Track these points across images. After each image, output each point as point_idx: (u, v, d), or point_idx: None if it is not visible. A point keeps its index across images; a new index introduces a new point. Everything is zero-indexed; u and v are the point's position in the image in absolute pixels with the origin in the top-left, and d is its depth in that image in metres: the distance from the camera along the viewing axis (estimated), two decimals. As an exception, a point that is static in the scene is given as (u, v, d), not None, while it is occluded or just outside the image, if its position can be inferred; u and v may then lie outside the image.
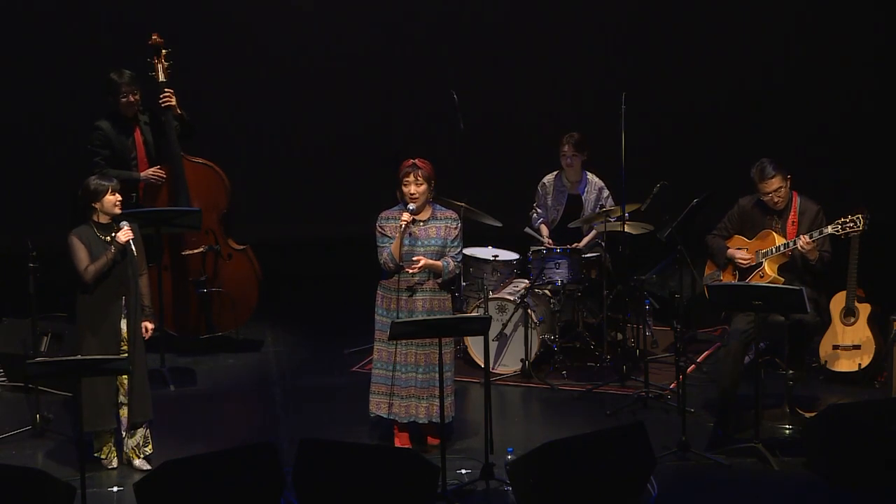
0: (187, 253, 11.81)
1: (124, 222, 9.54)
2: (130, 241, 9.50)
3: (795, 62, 14.84)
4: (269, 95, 14.54)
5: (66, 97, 13.86)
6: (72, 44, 14.05)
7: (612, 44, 14.76)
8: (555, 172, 12.09)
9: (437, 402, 9.64)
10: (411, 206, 9.69)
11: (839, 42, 14.83)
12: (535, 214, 12.15)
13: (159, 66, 11.73)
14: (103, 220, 9.57)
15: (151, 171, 11.66)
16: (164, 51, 11.74)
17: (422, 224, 9.80)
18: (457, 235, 9.84)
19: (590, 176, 12.01)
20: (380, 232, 9.79)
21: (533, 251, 11.76)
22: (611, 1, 14.81)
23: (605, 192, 11.97)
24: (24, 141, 14.18)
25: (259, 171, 14.35)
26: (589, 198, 11.96)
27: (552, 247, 11.71)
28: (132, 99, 11.64)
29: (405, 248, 9.71)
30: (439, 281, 9.80)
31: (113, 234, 9.52)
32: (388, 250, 9.71)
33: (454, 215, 9.93)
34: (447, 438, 9.56)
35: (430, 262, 9.73)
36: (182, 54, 11.87)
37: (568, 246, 11.72)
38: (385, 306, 9.84)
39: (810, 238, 10.06)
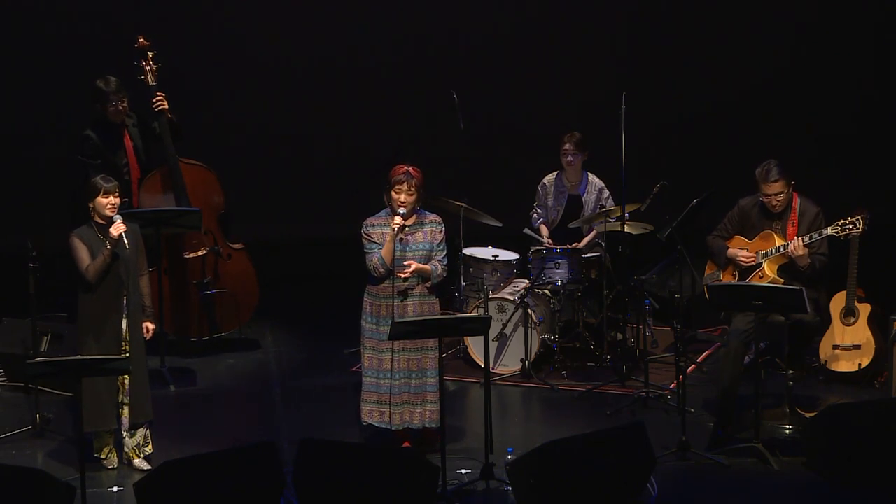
0: (190, 256, 11.80)
1: (117, 216, 9.51)
2: (123, 235, 9.48)
3: (796, 61, 14.82)
4: (268, 95, 14.51)
5: (65, 97, 13.83)
6: (72, 43, 14.03)
7: (612, 44, 14.74)
8: (555, 172, 12.09)
9: (429, 407, 9.73)
10: (402, 210, 9.68)
11: (839, 41, 14.82)
12: (535, 214, 12.14)
13: (148, 69, 11.66)
14: (102, 220, 9.57)
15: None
16: (150, 53, 11.67)
17: (407, 228, 9.80)
18: (442, 239, 9.84)
19: (590, 176, 12.01)
20: (366, 238, 9.76)
21: (533, 251, 11.76)
22: (611, 1, 14.80)
23: (606, 193, 11.97)
24: (23, 141, 14.16)
25: (259, 171, 14.33)
26: (589, 198, 11.96)
27: (552, 247, 11.71)
28: (121, 107, 11.58)
29: (395, 254, 9.70)
30: (428, 285, 9.80)
31: (113, 234, 9.54)
32: (379, 255, 9.68)
33: (438, 219, 9.91)
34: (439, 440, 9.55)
35: (421, 266, 9.72)
36: (180, 55, 11.86)
37: (568, 246, 11.72)
38: (373, 313, 9.81)
39: (809, 239, 10.05)
